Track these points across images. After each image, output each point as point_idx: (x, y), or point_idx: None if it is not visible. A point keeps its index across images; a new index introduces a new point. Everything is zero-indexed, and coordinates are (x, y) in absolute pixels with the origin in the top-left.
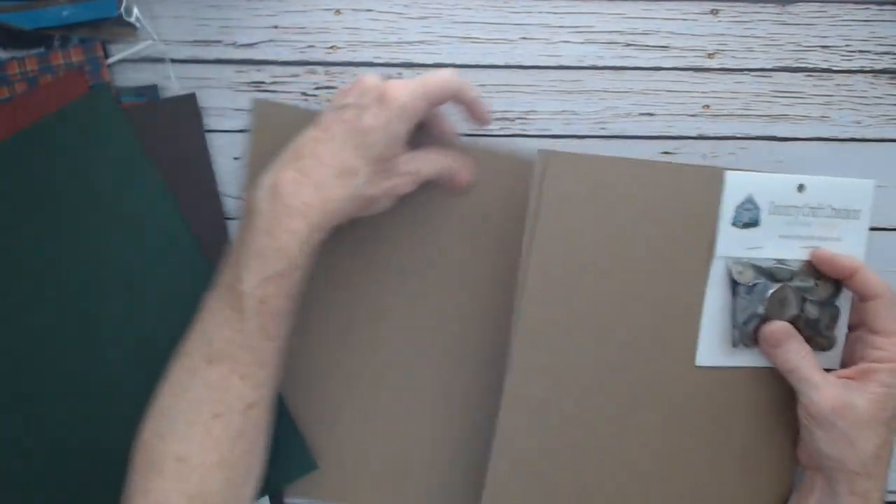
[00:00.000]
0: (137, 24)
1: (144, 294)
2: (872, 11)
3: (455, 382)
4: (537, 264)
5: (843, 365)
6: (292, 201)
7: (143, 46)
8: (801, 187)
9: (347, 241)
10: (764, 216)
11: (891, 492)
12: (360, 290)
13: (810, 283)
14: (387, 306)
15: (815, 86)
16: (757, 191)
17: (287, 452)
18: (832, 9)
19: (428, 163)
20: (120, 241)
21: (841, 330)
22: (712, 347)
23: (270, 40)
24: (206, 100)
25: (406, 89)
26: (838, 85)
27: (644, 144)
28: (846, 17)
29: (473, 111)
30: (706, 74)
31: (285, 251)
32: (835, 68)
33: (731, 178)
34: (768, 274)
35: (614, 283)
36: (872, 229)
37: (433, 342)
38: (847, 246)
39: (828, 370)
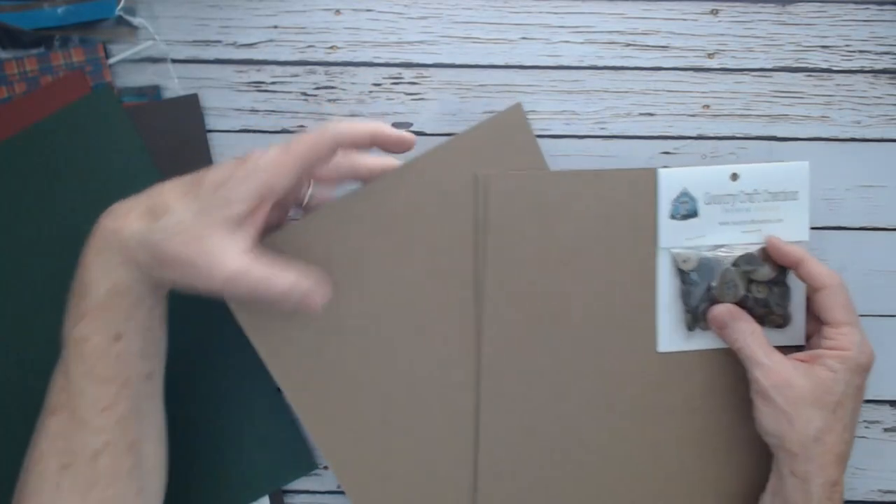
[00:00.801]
0: (138, 25)
1: None
2: (872, 11)
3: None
4: (493, 279)
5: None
6: (103, 231)
7: (144, 47)
8: (734, 176)
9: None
10: (701, 206)
11: (890, 492)
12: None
13: (754, 265)
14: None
15: (815, 86)
16: (691, 184)
17: (287, 452)
18: (832, 9)
19: (276, 280)
20: None
21: (798, 306)
22: (671, 333)
23: (270, 40)
24: (206, 100)
25: (267, 155)
26: (838, 85)
27: (644, 144)
28: (846, 17)
29: (388, 145)
30: (706, 74)
31: (91, 284)
32: (835, 68)
33: (663, 175)
34: (712, 259)
35: (569, 285)
36: (873, 229)
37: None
38: (789, 227)
39: (792, 347)
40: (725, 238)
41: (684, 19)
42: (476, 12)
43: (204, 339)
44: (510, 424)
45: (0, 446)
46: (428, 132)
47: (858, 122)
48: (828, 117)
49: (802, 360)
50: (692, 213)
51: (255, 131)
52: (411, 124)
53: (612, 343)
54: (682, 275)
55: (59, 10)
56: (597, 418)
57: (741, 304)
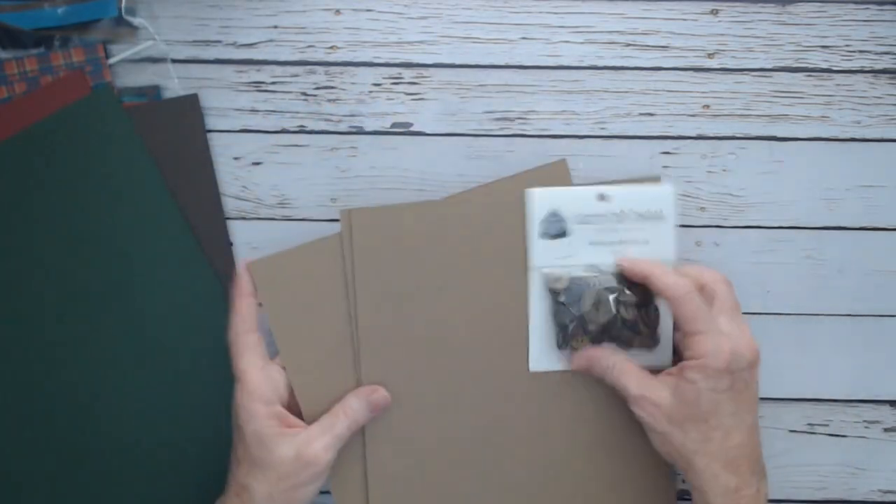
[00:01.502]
0: (138, 25)
1: (145, 294)
2: (872, 11)
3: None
4: (365, 312)
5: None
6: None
7: (144, 47)
8: (601, 196)
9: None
10: (571, 226)
11: (890, 491)
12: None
13: (620, 287)
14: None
15: (815, 86)
16: (560, 204)
17: None
18: (832, 9)
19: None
20: (121, 241)
21: (665, 328)
22: (542, 353)
23: (270, 40)
24: (206, 100)
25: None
26: (838, 85)
27: (644, 144)
28: (846, 17)
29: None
30: (706, 74)
31: None
32: (835, 68)
33: (531, 195)
34: (583, 280)
35: (442, 309)
36: (873, 229)
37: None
38: (654, 248)
39: (659, 368)
40: (596, 258)
41: (684, 19)
42: (476, 12)
43: (209, 341)
44: (397, 453)
45: (0, 446)
46: (428, 132)
47: (858, 122)
48: (828, 117)
49: (672, 374)
50: (562, 233)
51: (255, 131)
52: (411, 124)
53: (486, 364)
54: (554, 294)
55: (59, 10)
56: (482, 441)
57: (611, 325)
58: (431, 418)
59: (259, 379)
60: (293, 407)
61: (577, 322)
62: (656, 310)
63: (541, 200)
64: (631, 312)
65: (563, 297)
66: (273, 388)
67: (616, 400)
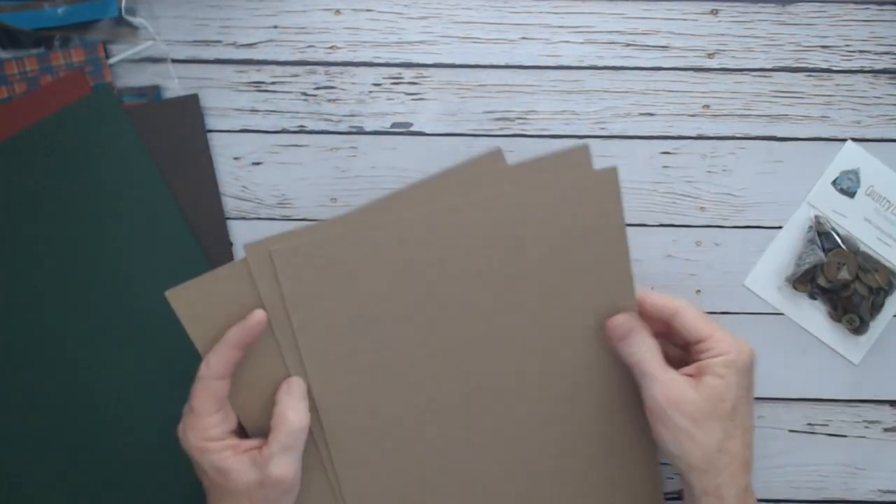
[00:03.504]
0: (138, 25)
1: (145, 294)
2: (872, 11)
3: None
4: (308, 350)
5: None
6: None
7: (144, 47)
8: None
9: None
10: (861, 193)
11: (890, 491)
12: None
13: (868, 266)
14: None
15: (815, 86)
16: (865, 169)
17: None
18: (832, 9)
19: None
20: (121, 241)
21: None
22: (764, 278)
23: (270, 40)
24: (206, 100)
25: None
26: (838, 85)
27: (644, 144)
28: (846, 17)
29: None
30: (706, 74)
31: None
32: (835, 68)
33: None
34: (849, 239)
35: (396, 334)
36: None
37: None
38: None
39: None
40: (863, 233)
41: (684, 19)
42: (476, 12)
43: None
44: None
45: (0, 446)
46: (428, 132)
47: (858, 122)
48: (828, 117)
49: (690, 374)
50: (851, 193)
51: (255, 131)
52: (411, 124)
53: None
54: (819, 235)
55: (59, 10)
56: (456, 457)
57: (842, 287)
58: (399, 441)
59: (211, 421)
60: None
61: (817, 267)
62: (881, 307)
63: (853, 154)
64: (865, 290)
65: (822, 240)
66: (226, 426)
67: (602, 400)
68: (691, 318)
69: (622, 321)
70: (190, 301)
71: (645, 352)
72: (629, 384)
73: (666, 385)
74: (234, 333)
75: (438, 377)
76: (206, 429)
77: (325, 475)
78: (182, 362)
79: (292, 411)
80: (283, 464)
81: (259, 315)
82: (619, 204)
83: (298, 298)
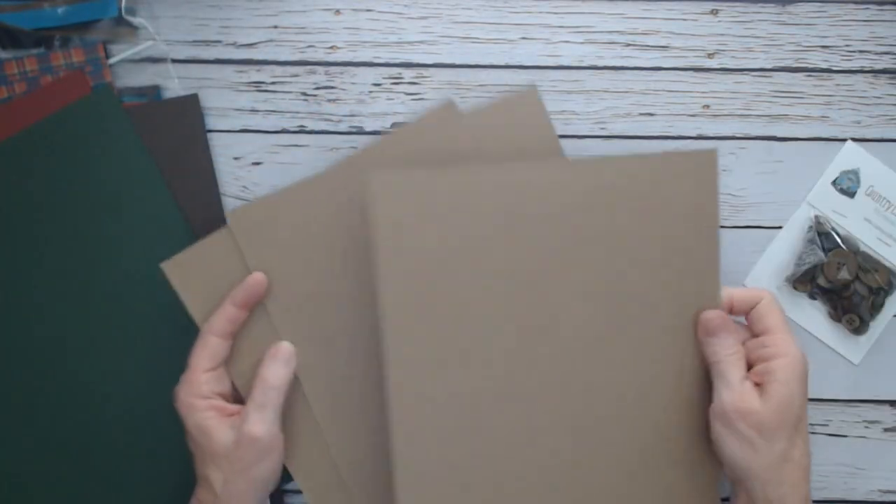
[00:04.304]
0: (138, 25)
1: (145, 294)
2: (872, 11)
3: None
4: (390, 292)
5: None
6: None
7: (144, 47)
8: None
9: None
10: (861, 194)
11: (890, 491)
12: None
13: (868, 266)
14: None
15: (815, 86)
16: (864, 169)
17: None
18: (832, 9)
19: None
20: (121, 241)
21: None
22: (766, 276)
23: (270, 40)
24: (206, 100)
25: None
26: (838, 85)
27: (644, 144)
28: (846, 17)
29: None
30: (706, 74)
31: None
32: (835, 68)
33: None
34: (849, 240)
35: (474, 285)
36: None
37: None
38: None
39: None
40: (863, 233)
41: (684, 19)
42: (476, 12)
43: None
44: (430, 457)
45: (0, 446)
46: None
47: (858, 122)
48: (828, 117)
49: (757, 383)
50: (851, 194)
51: (255, 131)
52: None
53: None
54: (819, 235)
55: (59, 10)
56: (523, 432)
57: (843, 287)
58: (469, 413)
59: (203, 378)
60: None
61: (817, 267)
62: (881, 307)
63: (852, 154)
64: (865, 290)
65: (822, 240)
66: (216, 386)
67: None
68: (765, 308)
69: (715, 316)
70: (184, 270)
71: (729, 353)
72: (705, 388)
73: (739, 394)
74: (235, 292)
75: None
76: (197, 385)
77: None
78: (183, 362)
79: (268, 370)
80: (257, 420)
81: (258, 276)
82: (716, 190)
83: (261, 262)
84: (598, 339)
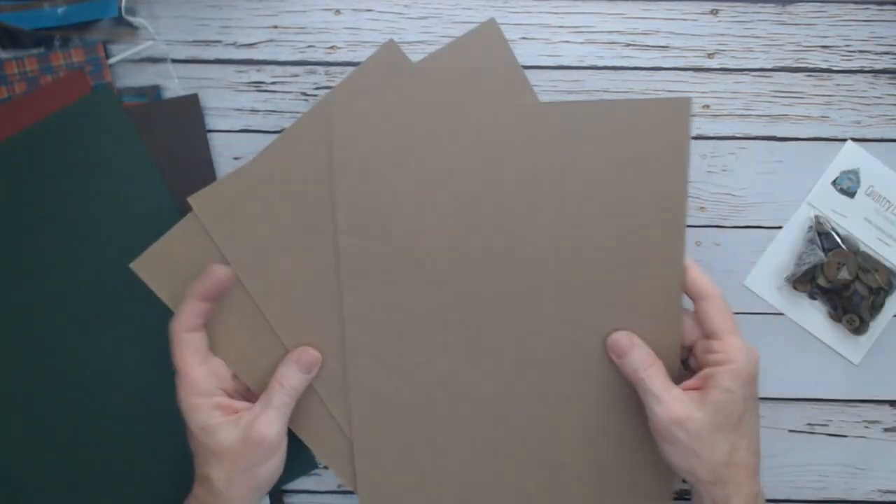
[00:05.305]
0: (138, 25)
1: (145, 294)
2: (872, 11)
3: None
4: (346, 226)
5: (693, 372)
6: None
7: (144, 47)
8: None
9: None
10: (861, 194)
11: (890, 491)
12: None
13: (868, 267)
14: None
15: (815, 86)
16: (864, 169)
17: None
18: (832, 9)
19: (288, 381)
20: (121, 242)
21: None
22: (765, 277)
23: (270, 40)
24: (206, 100)
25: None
26: (838, 85)
27: None
28: (846, 17)
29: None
30: (706, 74)
31: None
32: (835, 68)
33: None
34: (849, 240)
35: (434, 231)
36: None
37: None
38: None
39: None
40: (862, 233)
41: (684, 19)
42: (476, 12)
43: None
44: (380, 395)
45: (0, 446)
46: None
47: (858, 122)
48: (828, 117)
49: (695, 388)
50: (850, 194)
51: (255, 131)
52: None
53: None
54: (819, 234)
55: (59, 10)
56: (476, 380)
57: (842, 288)
58: (411, 339)
59: (197, 374)
60: (246, 392)
61: (817, 267)
62: (881, 307)
63: (852, 154)
64: (865, 290)
65: (822, 240)
66: (214, 381)
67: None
68: (714, 310)
69: (621, 337)
70: (154, 266)
71: (647, 368)
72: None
73: (669, 405)
74: (193, 286)
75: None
76: (195, 383)
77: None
78: None
79: (288, 374)
80: (268, 421)
81: (217, 268)
82: (687, 139)
83: (233, 244)
84: (555, 283)
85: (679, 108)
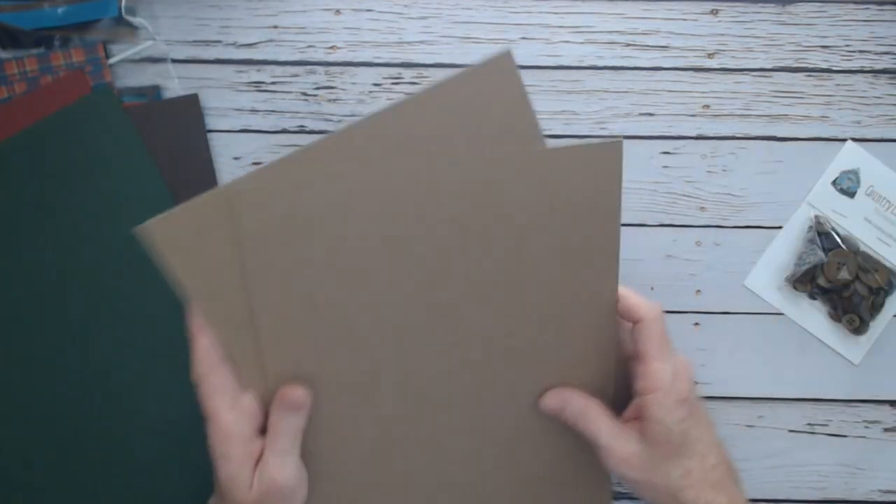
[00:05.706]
0: (138, 25)
1: (145, 294)
2: (872, 11)
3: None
4: (261, 301)
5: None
6: None
7: (144, 47)
8: None
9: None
10: (861, 194)
11: (890, 491)
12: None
13: (868, 267)
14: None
15: (815, 86)
16: (864, 169)
17: None
18: (832, 9)
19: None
20: (121, 241)
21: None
22: (765, 277)
23: (270, 40)
24: (206, 100)
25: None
26: (838, 85)
27: (644, 144)
28: (846, 17)
29: None
30: (706, 74)
31: None
32: (835, 68)
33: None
34: (850, 240)
35: (357, 292)
36: None
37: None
38: None
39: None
40: (863, 233)
41: (684, 19)
42: (476, 12)
43: None
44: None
45: (0, 446)
46: None
47: (858, 122)
48: (828, 117)
49: (634, 417)
50: (850, 194)
51: (255, 131)
52: None
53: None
54: (819, 235)
55: (59, 10)
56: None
57: (842, 287)
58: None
59: (230, 420)
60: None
61: (817, 267)
62: (881, 307)
63: (852, 154)
64: (865, 290)
65: (822, 240)
66: (246, 423)
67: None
68: (642, 333)
69: (551, 400)
70: (172, 232)
71: (583, 417)
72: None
73: (612, 448)
74: (195, 321)
75: (399, 339)
76: (225, 430)
77: None
78: (183, 359)
79: (279, 420)
80: (278, 466)
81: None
82: (619, 182)
83: (257, 245)
84: (487, 337)
85: (611, 151)
